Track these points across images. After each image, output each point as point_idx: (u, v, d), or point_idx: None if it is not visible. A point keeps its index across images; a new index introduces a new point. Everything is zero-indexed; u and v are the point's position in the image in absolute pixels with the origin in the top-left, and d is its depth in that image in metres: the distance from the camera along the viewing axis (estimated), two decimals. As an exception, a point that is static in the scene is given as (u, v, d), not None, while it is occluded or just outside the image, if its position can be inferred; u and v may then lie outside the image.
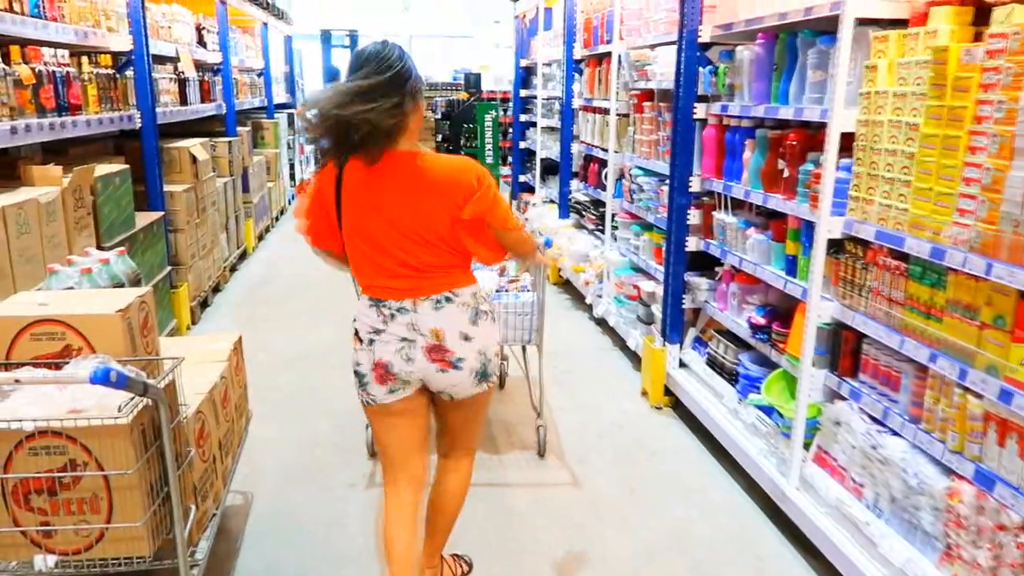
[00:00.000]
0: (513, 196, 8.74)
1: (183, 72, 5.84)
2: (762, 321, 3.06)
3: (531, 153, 8.28)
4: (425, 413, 2.23)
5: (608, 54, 5.16)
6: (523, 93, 8.40)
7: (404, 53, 2.03)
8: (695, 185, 3.70)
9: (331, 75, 10.28)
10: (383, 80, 1.95)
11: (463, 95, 9.15)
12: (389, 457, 2.24)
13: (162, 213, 4.67)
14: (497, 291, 3.29)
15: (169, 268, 4.75)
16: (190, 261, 5.14)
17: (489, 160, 8.48)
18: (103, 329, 1.95)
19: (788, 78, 2.92)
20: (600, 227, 5.41)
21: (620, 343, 4.75)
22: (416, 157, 2.04)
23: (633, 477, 3.24)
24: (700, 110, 3.63)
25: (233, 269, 6.64)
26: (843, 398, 2.59)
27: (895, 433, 2.33)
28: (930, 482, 2.14)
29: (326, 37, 13.24)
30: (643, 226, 4.60)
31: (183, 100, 5.81)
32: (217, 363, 2.54)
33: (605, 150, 5.28)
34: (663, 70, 4.08)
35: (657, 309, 4.14)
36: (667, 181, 4.07)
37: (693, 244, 3.77)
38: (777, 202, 2.96)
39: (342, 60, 14.15)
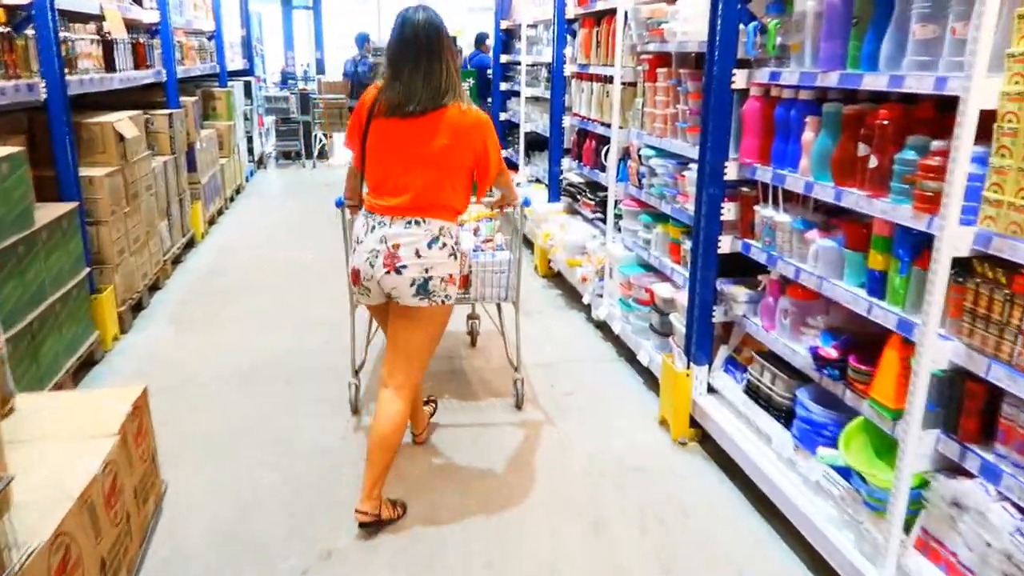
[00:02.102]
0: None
1: (109, 33, 4.96)
2: (833, 353, 2.37)
3: (513, 126, 7.50)
4: (391, 317, 2.66)
5: (610, 11, 4.40)
6: (504, 59, 7.59)
7: None
8: (731, 172, 2.99)
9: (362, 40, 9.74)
10: None
11: (437, 61, 8.29)
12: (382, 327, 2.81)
13: (76, 203, 3.85)
14: (474, 250, 3.35)
15: (88, 270, 3.95)
16: (117, 259, 4.33)
17: (467, 133, 7.68)
18: None
19: (876, 35, 2.20)
20: (600, 214, 4.69)
21: (627, 353, 4.06)
22: None
23: (665, 547, 2.56)
24: (740, 78, 2.90)
25: (177, 261, 5.83)
26: (968, 473, 1.92)
27: (1065, 539, 1.67)
28: None
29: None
30: (655, 216, 3.89)
31: (109, 66, 4.94)
32: (103, 439, 1.80)
33: (606, 125, 4.54)
34: (686, 28, 3.34)
35: (677, 319, 3.44)
36: (689, 165, 3.36)
37: (727, 244, 3.06)
38: (857, 200, 2.26)
39: (305, 22, 13.19)
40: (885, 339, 2.21)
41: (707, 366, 3.21)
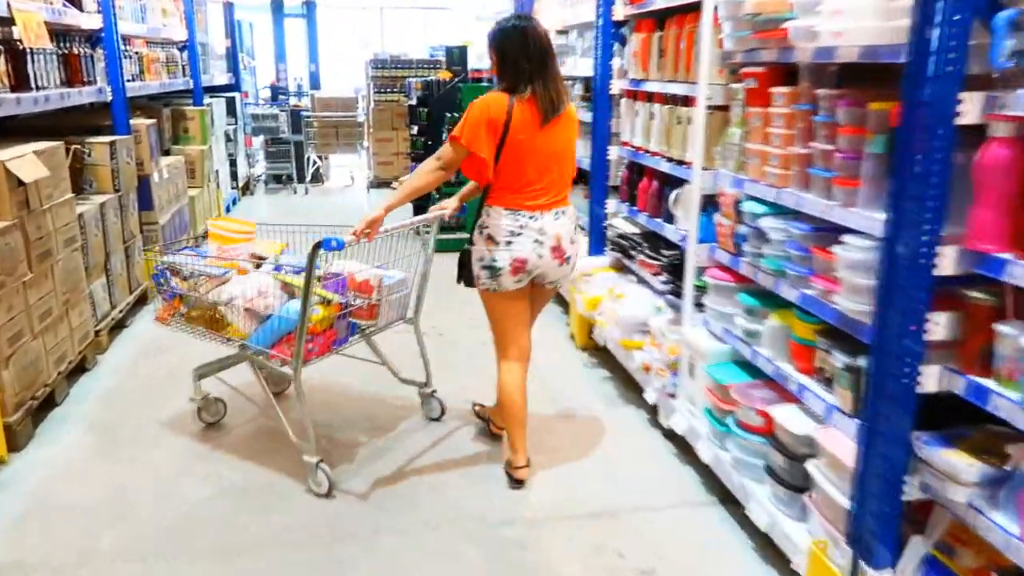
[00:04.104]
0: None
1: (20, 41, 3.80)
2: None
3: (535, 151, 6.31)
4: (529, 298, 2.93)
5: (684, 9, 3.24)
6: (523, 72, 6.41)
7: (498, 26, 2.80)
8: (946, 262, 1.79)
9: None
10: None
11: (444, 74, 7.16)
12: (506, 334, 2.93)
13: (-74, 285, 2.67)
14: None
15: (-53, 377, 2.76)
16: (7, 349, 3.14)
17: (480, 160, 6.49)
18: None
19: None
20: (669, 284, 3.48)
21: (720, 490, 2.84)
22: None
23: None
24: (971, 107, 1.70)
25: (120, 326, 4.62)
26: None
27: None
28: None
29: (278, 7, 11.13)
30: (764, 299, 2.69)
31: (19, 83, 3.78)
32: None
33: (677, 162, 3.36)
34: (839, 26, 2.15)
35: (823, 473, 2.23)
36: (842, 235, 2.18)
37: (933, 379, 1.86)
38: None
39: (298, 32, 12.10)
40: None
41: (891, 570, 1.99)
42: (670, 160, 3.45)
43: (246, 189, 9.79)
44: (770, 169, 2.57)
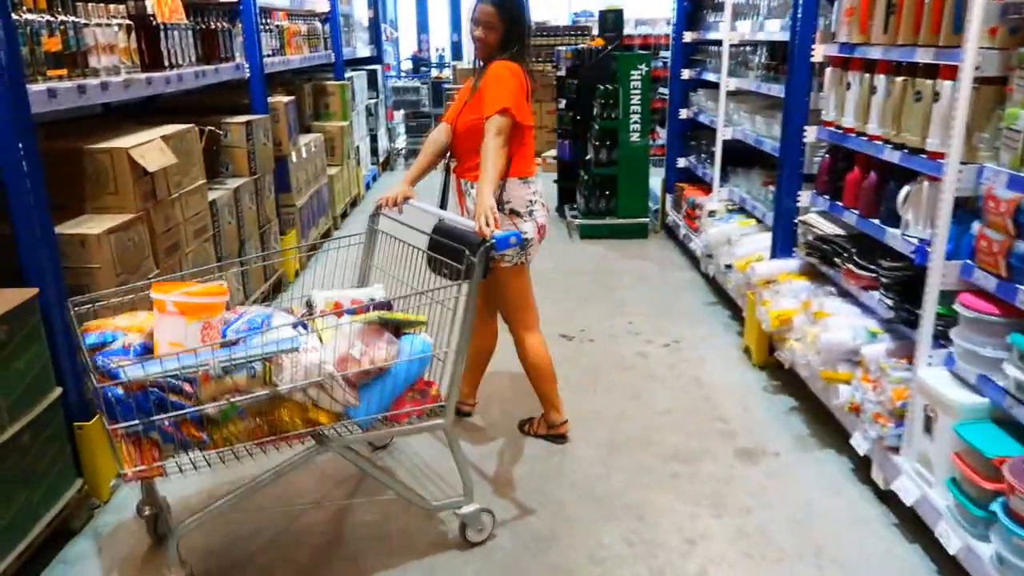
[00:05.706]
0: (669, 188, 6.09)
1: (153, 17, 3.54)
2: None
3: (697, 127, 5.62)
4: None
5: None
6: (688, 36, 5.69)
7: None
8: None
9: None
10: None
11: (597, 41, 6.51)
12: (528, 304, 2.93)
13: (35, 291, 2.40)
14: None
15: (59, 391, 2.50)
16: (130, 353, 2.89)
17: (636, 138, 5.85)
18: None
19: None
20: (896, 304, 2.74)
21: (972, 593, 2.15)
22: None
23: None
24: None
25: (254, 317, 4.39)
26: None
27: None
28: None
29: (421, -27, 10.80)
30: (1057, 346, 1.96)
31: (154, 62, 3.52)
32: None
33: (911, 151, 2.61)
34: None
35: None
36: None
37: None
38: None
39: (441, 0, 11.77)
40: None
41: None
42: (899, 147, 2.70)
43: (386, 165, 9.60)
44: (1082, 168, 1.83)
